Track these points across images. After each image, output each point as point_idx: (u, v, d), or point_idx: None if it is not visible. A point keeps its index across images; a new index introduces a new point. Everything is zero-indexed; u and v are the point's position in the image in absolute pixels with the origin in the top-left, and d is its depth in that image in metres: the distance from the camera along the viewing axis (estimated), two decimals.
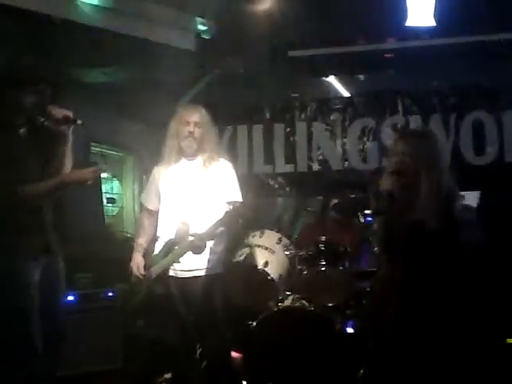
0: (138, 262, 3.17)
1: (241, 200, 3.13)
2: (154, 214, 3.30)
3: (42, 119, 2.81)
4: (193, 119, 3.17)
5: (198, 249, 2.96)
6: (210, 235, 2.98)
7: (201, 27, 4.69)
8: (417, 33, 4.68)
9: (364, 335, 3.67)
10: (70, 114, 2.83)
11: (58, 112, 2.81)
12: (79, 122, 2.85)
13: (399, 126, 4.77)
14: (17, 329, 2.64)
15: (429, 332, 2.73)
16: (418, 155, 2.78)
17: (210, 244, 3.08)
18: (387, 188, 2.80)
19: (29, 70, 2.88)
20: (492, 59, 4.69)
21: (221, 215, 2.94)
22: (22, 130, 2.81)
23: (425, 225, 2.68)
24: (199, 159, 3.20)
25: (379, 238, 2.95)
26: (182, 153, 3.20)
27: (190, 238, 2.96)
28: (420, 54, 4.73)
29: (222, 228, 3.01)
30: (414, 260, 2.76)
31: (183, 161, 3.22)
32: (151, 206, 3.32)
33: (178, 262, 3.04)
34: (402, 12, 4.56)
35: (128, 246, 3.40)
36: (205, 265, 3.14)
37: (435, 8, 4.49)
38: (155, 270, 3.10)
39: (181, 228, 3.02)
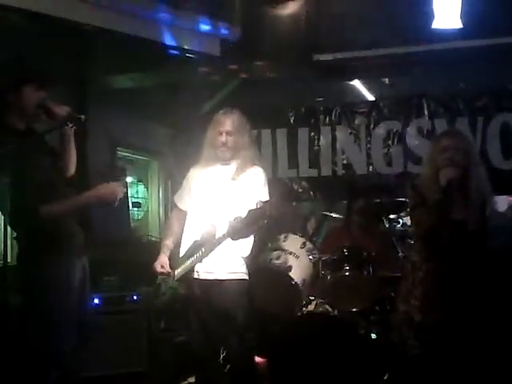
0: (162, 261, 3.20)
1: (267, 199, 3.13)
2: (184, 215, 3.33)
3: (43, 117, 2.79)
4: (225, 129, 3.20)
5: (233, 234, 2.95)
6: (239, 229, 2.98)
7: (226, 32, 4.72)
8: (443, 35, 4.62)
9: (390, 340, 3.66)
10: (70, 110, 2.81)
11: (60, 109, 2.79)
12: (82, 117, 2.83)
13: (425, 129, 4.72)
14: (54, 326, 2.67)
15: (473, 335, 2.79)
16: (470, 150, 2.91)
17: (234, 247, 3.09)
18: (442, 182, 2.82)
19: (28, 68, 2.85)
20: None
21: (246, 213, 2.96)
22: (26, 130, 2.78)
23: (474, 222, 2.78)
24: (233, 165, 3.23)
25: (423, 232, 2.92)
26: (217, 159, 3.26)
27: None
28: (446, 57, 4.67)
29: (249, 225, 3.01)
30: (462, 257, 2.81)
31: (218, 166, 3.27)
32: (183, 207, 3.36)
33: (201, 263, 3.04)
34: (428, 14, 4.51)
35: (153, 249, 3.42)
36: (229, 268, 3.15)
37: (461, 10, 4.44)
38: (179, 272, 3.12)
39: (208, 230, 3.04)
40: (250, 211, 2.86)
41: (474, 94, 4.73)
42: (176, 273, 3.15)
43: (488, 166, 4.50)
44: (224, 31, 4.70)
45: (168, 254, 3.27)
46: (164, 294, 3.20)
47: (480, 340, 2.84)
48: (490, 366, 2.85)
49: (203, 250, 3.01)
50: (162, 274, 3.19)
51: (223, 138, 3.19)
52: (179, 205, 3.38)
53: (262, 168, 3.33)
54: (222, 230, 2.99)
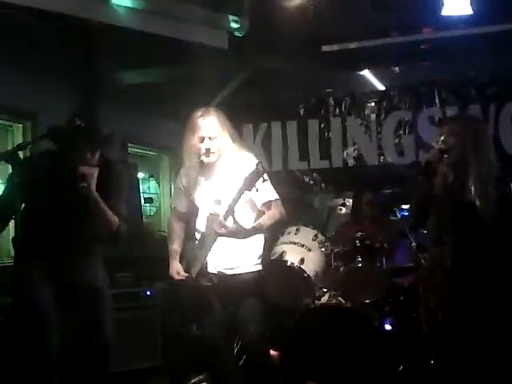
0: (176, 269, 3.18)
1: (276, 197, 3.10)
2: (184, 216, 3.33)
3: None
4: (207, 134, 3.02)
5: (234, 235, 2.93)
6: (249, 233, 2.98)
7: (234, 25, 4.70)
8: (453, 22, 4.56)
9: (404, 331, 3.65)
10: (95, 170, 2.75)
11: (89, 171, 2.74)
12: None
13: (436, 117, 4.68)
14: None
15: (480, 320, 2.75)
16: (468, 134, 2.83)
17: (249, 241, 3.09)
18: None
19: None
20: None
21: (259, 218, 2.94)
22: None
23: (476, 208, 2.74)
24: (220, 162, 3.12)
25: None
26: (202, 165, 3.12)
27: (229, 225, 2.93)
28: (457, 44, 4.61)
29: (262, 228, 3.01)
30: (465, 242, 2.79)
31: (205, 165, 3.14)
32: (183, 209, 3.33)
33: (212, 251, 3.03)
34: (438, 1, 4.46)
35: (166, 245, 3.43)
36: (244, 262, 3.15)
37: None
38: (195, 270, 3.12)
39: (210, 218, 3.02)
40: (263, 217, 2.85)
41: (485, 82, 4.69)
42: (193, 271, 3.13)
43: (501, 152, 4.48)
44: (233, 24, 4.68)
45: (178, 259, 3.25)
46: (186, 293, 3.19)
47: (488, 335, 2.81)
48: (497, 361, 2.82)
49: (210, 238, 3.00)
50: (180, 280, 3.16)
51: (207, 145, 3.02)
52: (179, 208, 3.35)
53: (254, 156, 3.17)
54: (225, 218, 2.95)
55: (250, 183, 2.80)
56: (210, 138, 3.03)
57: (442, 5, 4.44)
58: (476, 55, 4.67)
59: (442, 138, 2.85)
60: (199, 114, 3.06)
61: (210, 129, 3.03)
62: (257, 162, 2.88)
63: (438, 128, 3.07)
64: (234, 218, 2.88)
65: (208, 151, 3.03)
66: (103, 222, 2.79)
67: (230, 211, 2.87)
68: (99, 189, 2.74)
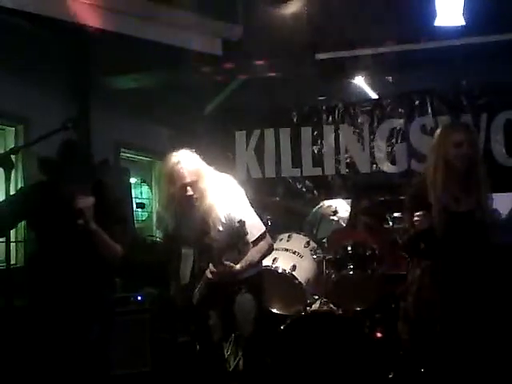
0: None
1: (263, 230, 2.99)
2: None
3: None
4: (188, 181, 2.84)
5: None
6: (240, 273, 2.91)
7: (227, 32, 4.71)
8: (446, 32, 4.60)
9: (395, 338, 3.65)
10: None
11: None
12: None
13: (428, 126, 4.70)
14: None
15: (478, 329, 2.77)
16: (477, 144, 2.97)
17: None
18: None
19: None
20: None
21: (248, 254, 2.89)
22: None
23: (480, 216, 2.81)
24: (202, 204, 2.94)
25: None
26: (186, 206, 2.93)
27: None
28: (449, 54, 4.65)
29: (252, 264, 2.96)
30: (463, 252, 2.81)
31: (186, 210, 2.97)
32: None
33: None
34: (430, 12, 4.49)
35: (157, 249, 3.41)
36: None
37: (464, 7, 4.41)
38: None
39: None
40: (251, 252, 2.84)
41: (477, 92, 4.72)
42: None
43: (492, 163, 4.51)
44: (226, 31, 4.69)
45: None
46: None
47: (480, 338, 2.82)
48: (490, 365, 2.83)
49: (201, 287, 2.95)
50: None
51: (189, 192, 2.85)
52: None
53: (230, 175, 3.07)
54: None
55: (233, 245, 2.78)
56: (191, 184, 2.85)
57: (435, 15, 4.49)
58: (468, 65, 4.71)
59: (464, 150, 2.83)
60: (175, 159, 2.88)
61: (191, 175, 2.85)
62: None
63: (447, 136, 2.94)
64: (222, 263, 2.80)
65: (191, 196, 2.86)
66: (105, 253, 2.75)
67: (219, 257, 2.81)
68: (99, 217, 2.67)
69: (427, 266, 2.92)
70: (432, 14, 4.46)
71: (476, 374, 2.79)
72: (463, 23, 4.41)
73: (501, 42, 4.58)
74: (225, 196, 2.94)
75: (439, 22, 4.51)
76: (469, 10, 4.38)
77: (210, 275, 2.83)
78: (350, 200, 4.56)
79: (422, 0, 4.50)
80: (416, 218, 2.79)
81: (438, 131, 3.01)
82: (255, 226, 2.97)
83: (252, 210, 3.01)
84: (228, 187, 2.99)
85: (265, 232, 3.02)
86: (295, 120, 5.03)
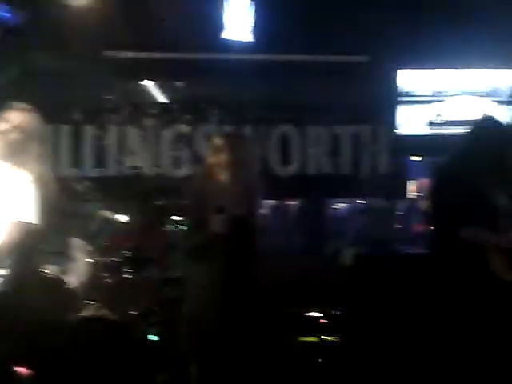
0: None
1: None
2: None
3: None
4: None
5: None
6: None
7: (6, 14, 4.34)
8: (234, 46, 4.80)
9: (171, 341, 3.65)
10: None
11: None
12: None
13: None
14: None
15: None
16: (238, 149, 3.01)
17: None
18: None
19: None
20: (302, 76, 4.98)
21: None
22: None
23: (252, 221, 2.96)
24: None
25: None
26: None
27: None
28: (236, 67, 4.87)
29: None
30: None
31: None
32: None
33: None
34: (220, 23, 4.65)
35: None
36: None
37: (254, 25, 4.66)
38: None
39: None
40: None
41: (259, 105, 4.99)
42: None
43: (268, 172, 4.81)
44: (4, 14, 4.32)
45: None
46: None
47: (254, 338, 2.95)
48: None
49: None
50: None
51: None
52: None
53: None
54: None
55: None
56: None
57: (223, 28, 4.66)
58: (253, 79, 4.95)
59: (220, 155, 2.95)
60: None
61: None
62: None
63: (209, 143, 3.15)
64: None
65: None
66: None
67: None
68: None
69: (204, 268, 2.96)
70: (221, 26, 4.63)
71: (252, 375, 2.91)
72: (251, 39, 4.67)
73: (284, 62, 4.94)
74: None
75: (227, 35, 4.70)
76: (257, 29, 4.65)
77: None
78: (132, 202, 4.47)
79: (214, 11, 4.65)
80: (201, 222, 2.85)
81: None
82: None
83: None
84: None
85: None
86: (77, 117, 4.78)
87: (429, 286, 3.00)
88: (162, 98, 5.25)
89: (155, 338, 3.70)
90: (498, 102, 4.79)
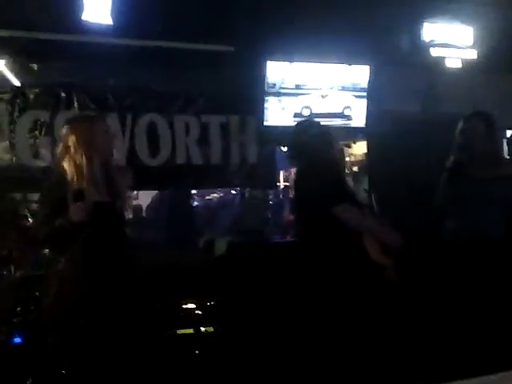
0: None
1: None
2: None
3: None
4: None
5: None
6: None
7: None
8: (93, 28, 4.53)
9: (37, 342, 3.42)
10: None
11: None
12: None
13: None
14: None
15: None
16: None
17: None
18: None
19: None
20: (169, 64, 4.87)
21: None
22: None
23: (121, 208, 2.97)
24: None
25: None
26: None
27: None
28: (97, 50, 4.61)
29: None
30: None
31: None
32: None
33: None
34: (78, 4, 4.37)
35: None
36: None
37: (112, 7, 4.43)
38: None
39: None
40: None
41: (123, 92, 4.79)
42: None
43: (137, 162, 4.65)
44: None
45: None
46: None
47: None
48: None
49: None
50: None
51: None
52: None
53: None
54: None
55: None
56: None
57: (83, 9, 4.38)
58: (115, 65, 4.74)
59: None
60: None
61: None
62: None
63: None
64: None
65: None
66: None
67: None
68: None
69: (68, 259, 2.80)
70: (80, 7, 4.35)
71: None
72: (111, 23, 4.43)
73: (146, 47, 4.77)
74: None
75: (86, 16, 4.42)
76: (117, 12, 4.43)
77: None
78: None
79: None
80: (72, 210, 2.72)
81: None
82: None
83: None
84: None
85: None
86: None
87: (299, 272, 3.12)
88: (15, 81, 4.83)
89: (19, 340, 3.44)
90: (357, 96, 5.11)
